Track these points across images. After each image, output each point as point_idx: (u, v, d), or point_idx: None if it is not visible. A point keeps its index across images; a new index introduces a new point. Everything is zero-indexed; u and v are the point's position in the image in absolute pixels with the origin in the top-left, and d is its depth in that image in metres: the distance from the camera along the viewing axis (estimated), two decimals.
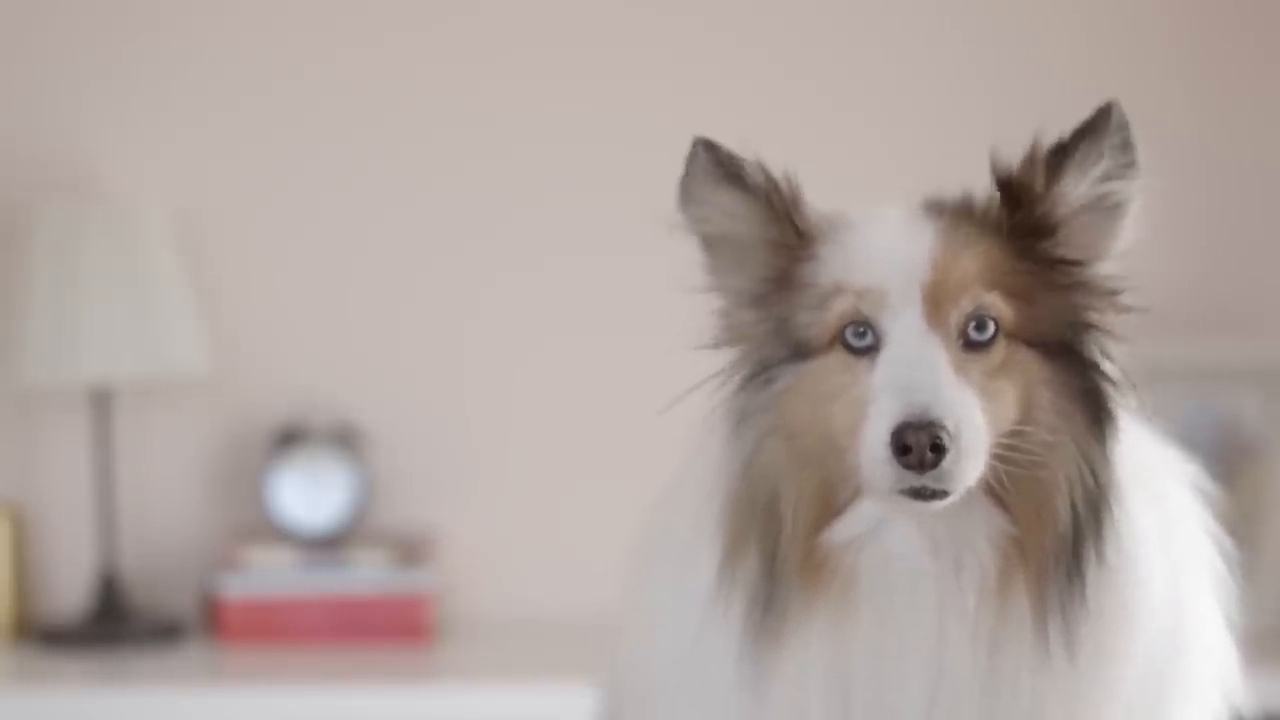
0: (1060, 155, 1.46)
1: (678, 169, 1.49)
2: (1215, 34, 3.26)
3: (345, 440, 3.17)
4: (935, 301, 1.42)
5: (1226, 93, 3.25)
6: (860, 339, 1.44)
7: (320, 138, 3.24)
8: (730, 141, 1.49)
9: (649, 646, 1.53)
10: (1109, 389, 1.44)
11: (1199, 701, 1.49)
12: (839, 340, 1.44)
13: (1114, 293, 1.46)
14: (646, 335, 3.19)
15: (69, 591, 3.22)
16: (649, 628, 1.53)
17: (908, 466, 1.37)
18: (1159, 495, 1.50)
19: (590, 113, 3.23)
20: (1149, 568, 1.45)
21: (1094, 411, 1.44)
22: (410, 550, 3.14)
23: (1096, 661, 1.43)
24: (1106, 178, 1.46)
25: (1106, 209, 1.46)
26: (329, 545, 3.13)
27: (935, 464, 1.37)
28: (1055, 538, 1.42)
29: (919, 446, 1.36)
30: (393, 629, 3.10)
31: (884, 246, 1.45)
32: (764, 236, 1.48)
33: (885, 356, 1.42)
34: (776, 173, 1.48)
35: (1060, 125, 1.47)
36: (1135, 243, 1.48)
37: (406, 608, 3.10)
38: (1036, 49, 3.22)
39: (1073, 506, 1.43)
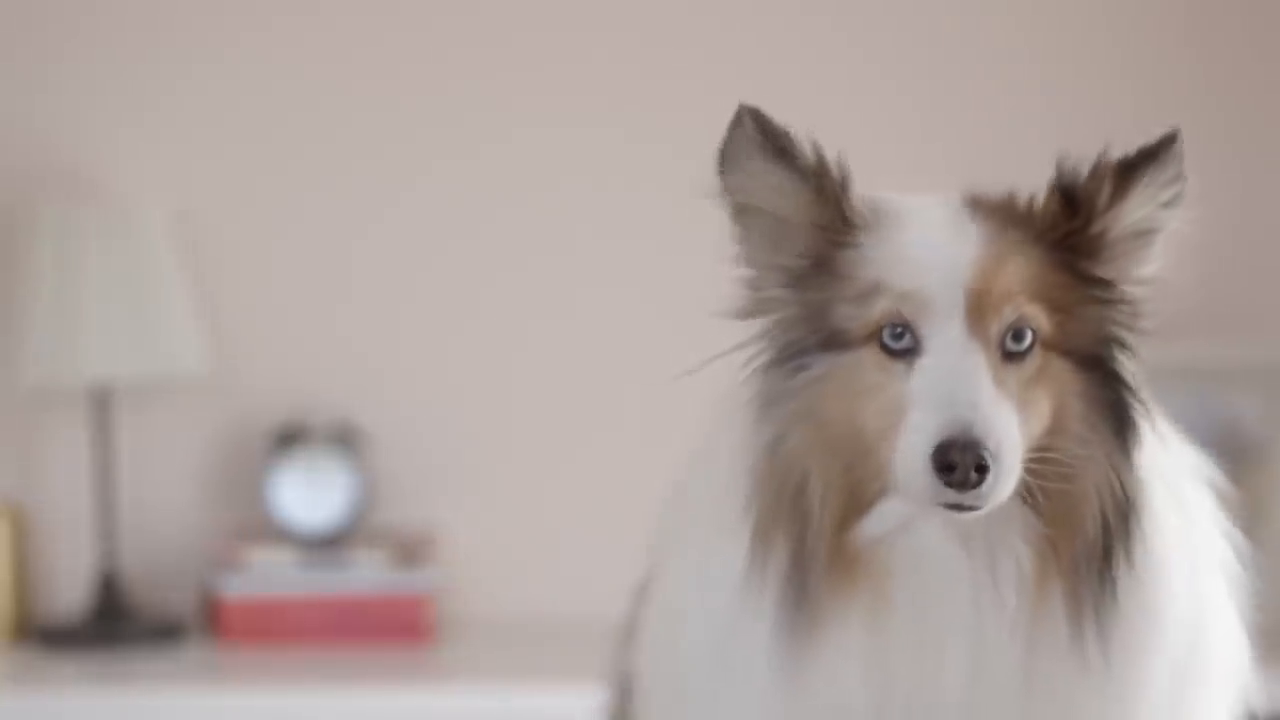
0: (1127, 175, 1.46)
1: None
2: (1217, 35, 3.26)
3: (345, 440, 3.17)
4: (978, 310, 1.40)
5: (1227, 94, 3.25)
6: (898, 340, 1.41)
7: (320, 138, 3.24)
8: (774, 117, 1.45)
9: (677, 633, 1.50)
10: (1134, 401, 1.45)
11: (1218, 696, 1.50)
12: (876, 338, 1.42)
13: (1140, 312, 1.48)
14: (647, 335, 3.20)
15: (69, 591, 3.22)
16: (676, 613, 1.50)
17: (949, 484, 1.35)
18: (1179, 496, 1.50)
19: (590, 108, 3.23)
20: (1173, 569, 1.46)
21: (1120, 423, 1.44)
22: (410, 550, 3.14)
23: (1127, 661, 1.43)
24: (1163, 205, 1.47)
25: (1148, 233, 1.48)
26: (329, 545, 3.13)
27: (978, 484, 1.35)
28: (1086, 543, 1.43)
29: (964, 466, 1.34)
30: (393, 629, 3.09)
31: (928, 247, 1.42)
32: (808, 217, 1.45)
33: (926, 364, 1.40)
34: (829, 154, 1.45)
35: (1100, 140, 1.47)
36: (1161, 267, 1.50)
37: (406, 607, 3.10)
38: (1045, 50, 3.21)
39: (1102, 515, 1.43)
